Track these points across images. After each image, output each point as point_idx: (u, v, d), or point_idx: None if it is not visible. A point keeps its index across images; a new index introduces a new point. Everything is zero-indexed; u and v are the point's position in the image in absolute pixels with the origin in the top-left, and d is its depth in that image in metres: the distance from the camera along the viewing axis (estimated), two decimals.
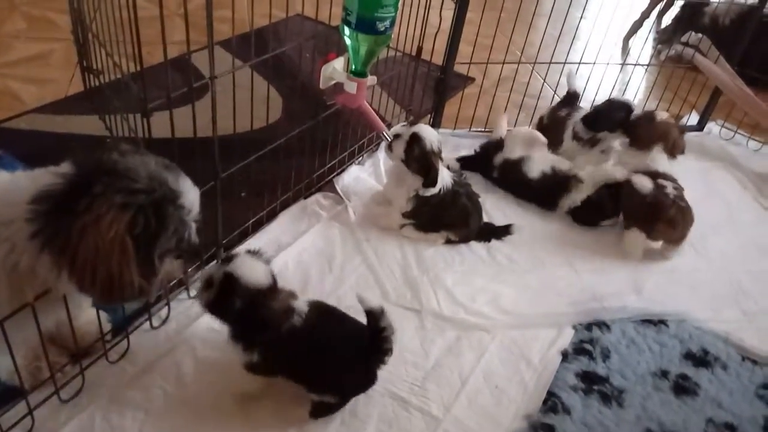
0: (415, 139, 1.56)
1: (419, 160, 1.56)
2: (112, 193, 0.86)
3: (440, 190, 1.60)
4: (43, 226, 0.85)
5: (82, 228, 0.83)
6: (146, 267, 0.91)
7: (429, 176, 1.56)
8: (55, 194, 0.86)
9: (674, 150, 1.78)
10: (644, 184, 1.69)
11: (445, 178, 1.61)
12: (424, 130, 1.58)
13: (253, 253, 1.13)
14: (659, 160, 1.76)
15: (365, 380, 1.18)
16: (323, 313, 1.17)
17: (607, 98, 1.92)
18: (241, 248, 1.16)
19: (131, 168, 0.90)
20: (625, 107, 1.84)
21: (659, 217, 1.67)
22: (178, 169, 0.98)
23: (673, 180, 1.74)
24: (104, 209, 0.84)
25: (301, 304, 1.14)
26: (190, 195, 0.96)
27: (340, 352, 1.14)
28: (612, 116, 1.84)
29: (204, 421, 1.16)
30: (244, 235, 1.55)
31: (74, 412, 1.12)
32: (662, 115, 1.80)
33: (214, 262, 1.10)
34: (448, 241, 1.67)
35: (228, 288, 1.06)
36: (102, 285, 0.86)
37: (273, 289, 1.11)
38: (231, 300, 1.06)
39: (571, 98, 2.03)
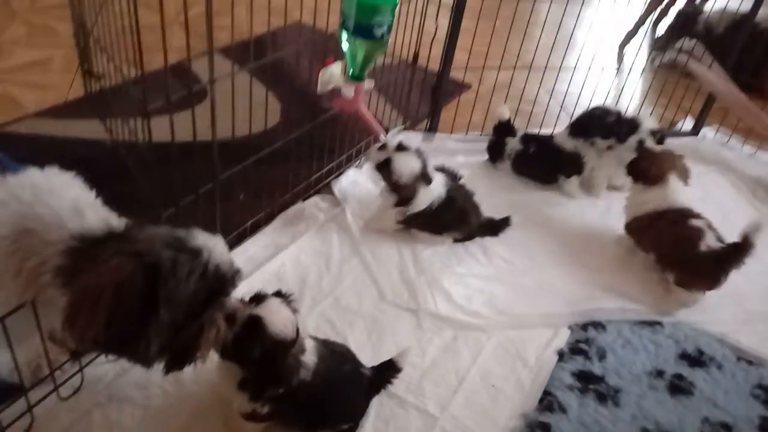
0: (386, 164, 1.57)
1: (387, 181, 1.59)
2: (125, 249, 0.87)
3: (430, 205, 1.61)
4: (69, 264, 0.88)
5: (86, 279, 0.86)
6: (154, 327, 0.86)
7: (399, 198, 1.59)
8: (91, 240, 0.89)
9: (686, 176, 1.71)
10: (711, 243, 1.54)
11: (435, 191, 1.61)
12: (401, 161, 1.55)
13: (283, 297, 1.08)
14: (679, 190, 1.66)
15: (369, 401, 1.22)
16: (329, 360, 1.12)
17: (591, 107, 1.94)
18: (266, 288, 1.09)
19: (152, 235, 0.90)
20: (615, 112, 1.88)
21: (709, 275, 1.56)
22: (197, 231, 0.94)
23: (701, 216, 1.62)
24: (104, 266, 0.85)
25: (309, 357, 1.08)
26: (209, 244, 0.91)
27: (350, 394, 1.16)
28: (604, 122, 1.87)
29: (202, 419, 1.16)
30: (242, 237, 1.57)
31: (73, 409, 1.13)
32: (653, 146, 1.78)
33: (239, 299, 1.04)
34: (456, 240, 1.69)
35: (251, 332, 0.99)
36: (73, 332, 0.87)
37: (294, 341, 1.04)
38: (251, 346, 0.99)
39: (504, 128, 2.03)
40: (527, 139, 1.99)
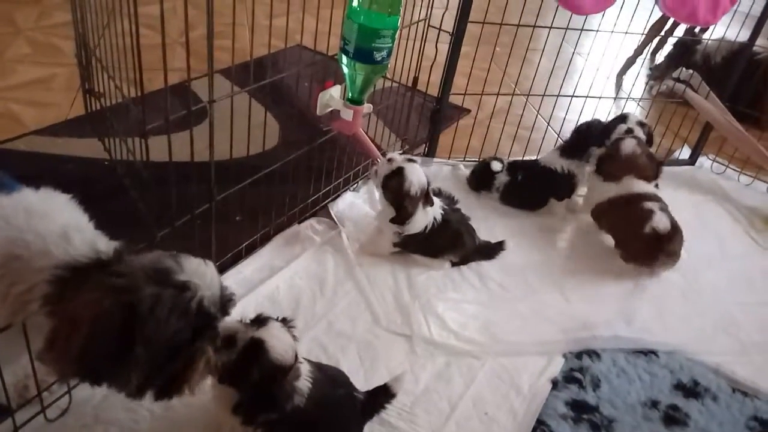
0: (398, 173, 1.56)
1: (393, 194, 1.57)
2: (102, 280, 0.86)
3: (426, 227, 1.61)
4: (55, 292, 0.88)
5: (65, 310, 0.86)
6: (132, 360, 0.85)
7: (399, 214, 1.56)
8: (77, 269, 0.89)
9: (647, 179, 1.80)
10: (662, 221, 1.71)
11: (432, 214, 1.61)
12: (412, 170, 1.56)
13: (284, 322, 1.07)
14: (634, 185, 1.78)
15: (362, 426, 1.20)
16: (323, 384, 1.12)
17: (576, 127, 1.99)
18: (259, 310, 1.08)
19: (131, 260, 0.90)
20: (598, 122, 1.95)
21: (661, 248, 1.72)
22: (184, 255, 0.93)
23: (656, 198, 1.78)
24: (83, 298, 0.85)
25: (303, 382, 1.07)
26: (199, 272, 0.90)
27: (343, 419, 1.15)
28: (594, 132, 1.92)
29: None
30: (237, 258, 1.56)
31: (60, 431, 1.12)
32: (627, 146, 1.81)
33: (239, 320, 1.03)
34: (453, 264, 1.69)
35: (252, 355, 0.98)
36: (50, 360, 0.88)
37: (292, 367, 1.04)
38: (251, 369, 0.98)
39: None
40: (514, 167, 1.98)
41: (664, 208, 1.76)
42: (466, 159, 2.14)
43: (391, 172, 1.57)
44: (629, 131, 1.88)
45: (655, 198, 1.77)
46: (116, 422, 1.15)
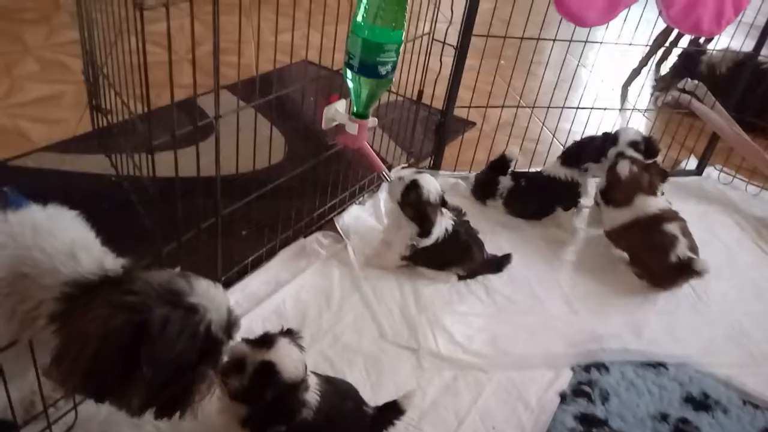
0: (414, 186, 1.57)
1: (414, 207, 1.57)
2: (112, 297, 0.87)
3: (437, 238, 1.61)
4: (62, 310, 0.87)
5: (73, 325, 0.86)
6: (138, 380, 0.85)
7: (423, 227, 1.57)
8: (84, 285, 0.88)
9: (653, 191, 1.79)
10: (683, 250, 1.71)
11: (443, 225, 1.61)
12: (425, 179, 1.58)
13: (290, 333, 1.08)
14: (646, 204, 1.77)
15: None
16: (332, 397, 1.12)
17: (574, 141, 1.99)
18: (266, 325, 1.11)
19: (143, 278, 0.90)
20: (599, 137, 1.94)
21: (688, 276, 1.72)
22: (194, 276, 0.93)
23: (675, 217, 1.76)
24: (92, 314, 0.85)
25: (311, 395, 1.07)
26: (209, 294, 0.90)
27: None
28: (591, 146, 1.92)
29: None
30: (243, 273, 1.57)
31: None
32: (623, 169, 1.80)
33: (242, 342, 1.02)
34: (460, 277, 1.68)
35: (263, 379, 0.99)
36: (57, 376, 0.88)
37: (303, 380, 1.04)
38: (264, 391, 0.99)
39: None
40: (517, 176, 1.99)
41: (685, 230, 1.75)
42: (471, 171, 2.14)
43: (406, 188, 1.57)
44: (620, 155, 1.86)
45: (673, 217, 1.76)
46: None
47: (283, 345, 1.02)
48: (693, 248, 1.73)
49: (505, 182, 1.97)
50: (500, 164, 1.99)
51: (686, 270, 1.70)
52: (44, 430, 1.10)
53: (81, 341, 0.83)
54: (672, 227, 1.73)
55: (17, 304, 0.89)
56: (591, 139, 1.96)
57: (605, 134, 1.95)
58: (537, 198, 1.97)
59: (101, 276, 0.90)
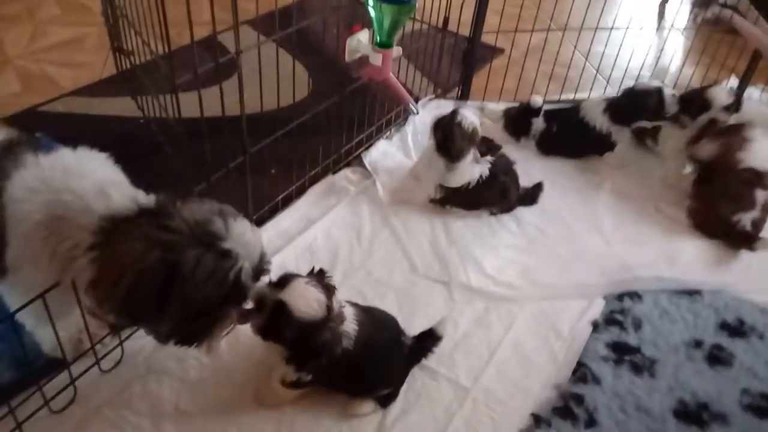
0: (451, 113, 1.57)
1: (444, 130, 1.55)
2: (150, 232, 0.89)
3: (469, 183, 1.59)
4: (100, 242, 0.90)
5: (112, 253, 0.89)
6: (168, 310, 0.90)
7: (450, 152, 1.55)
8: (119, 219, 0.91)
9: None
10: None
11: (479, 171, 1.59)
12: (466, 110, 1.58)
13: (321, 274, 1.10)
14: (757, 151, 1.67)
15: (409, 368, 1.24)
16: (370, 327, 1.14)
17: (629, 88, 1.84)
18: (299, 261, 1.15)
19: (181, 214, 0.91)
20: (655, 91, 1.78)
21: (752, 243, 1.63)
22: (234, 214, 0.95)
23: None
24: (129, 246, 0.88)
25: (350, 326, 1.10)
26: (243, 239, 0.92)
27: (391, 361, 1.18)
28: (643, 104, 1.79)
29: (239, 389, 1.19)
30: (274, 211, 1.58)
31: (114, 381, 1.17)
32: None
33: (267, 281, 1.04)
34: (492, 213, 1.67)
35: (279, 317, 1.01)
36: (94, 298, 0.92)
37: (327, 319, 1.05)
38: (282, 329, 1.03)
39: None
40: (550, 116, 1.89)
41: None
42: (501, 101, 2.08)
43: (444, 116, 1.57)
44: (711, 122, 1.78)
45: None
46: (167, 372, 1.20)
47: (297, 285, 1.04)
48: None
49: (538, 124, 1.90)
50: (528, 111, 1.91)
51: (743, 237, 1.62)
52: (93, 366, 1.16)
53: (118, 271, 0.87)
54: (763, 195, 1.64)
55: (57, 244, 0.92)
56: (645, 93, 1.79)
57: (659, 88, 1.79)
58: (570, 142, 1.90)
59: (136, 210, 0.92)
